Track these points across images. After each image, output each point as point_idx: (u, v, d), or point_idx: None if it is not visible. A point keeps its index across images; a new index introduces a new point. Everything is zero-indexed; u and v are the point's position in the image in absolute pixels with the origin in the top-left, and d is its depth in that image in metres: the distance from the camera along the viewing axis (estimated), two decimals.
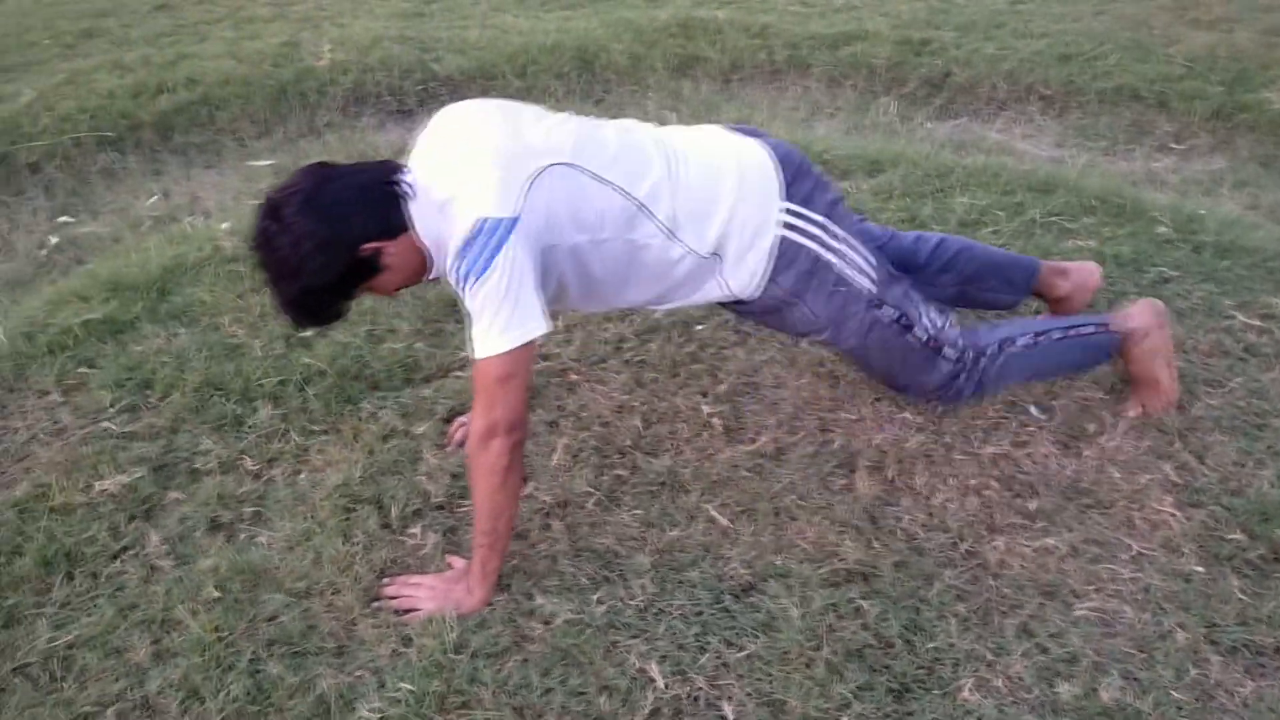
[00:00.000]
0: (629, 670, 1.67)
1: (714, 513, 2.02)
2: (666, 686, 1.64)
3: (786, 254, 1.91)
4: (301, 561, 1.91)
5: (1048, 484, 2.08)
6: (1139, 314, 2.21)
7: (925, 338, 2.03)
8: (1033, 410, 2.28)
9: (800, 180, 1.95)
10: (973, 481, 2.08)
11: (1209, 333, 2.54)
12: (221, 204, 3.69)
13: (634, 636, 1.74)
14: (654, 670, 1.66)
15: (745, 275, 1.94)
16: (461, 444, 2.16)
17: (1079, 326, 2.20)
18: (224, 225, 3.18)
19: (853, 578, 1.86)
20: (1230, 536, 1.94)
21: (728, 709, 1.62)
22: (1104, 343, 2.21)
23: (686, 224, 1.87)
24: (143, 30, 5.50)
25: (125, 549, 1.98)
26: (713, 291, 1.98)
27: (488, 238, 1.64)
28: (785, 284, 1.94)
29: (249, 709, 1.64)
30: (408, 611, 1.81)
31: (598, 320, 2.63)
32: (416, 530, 1.97)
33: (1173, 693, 1.63)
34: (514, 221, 1.67)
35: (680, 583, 1.85)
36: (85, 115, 4.24)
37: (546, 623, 1.76)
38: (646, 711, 1.61)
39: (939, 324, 2.06)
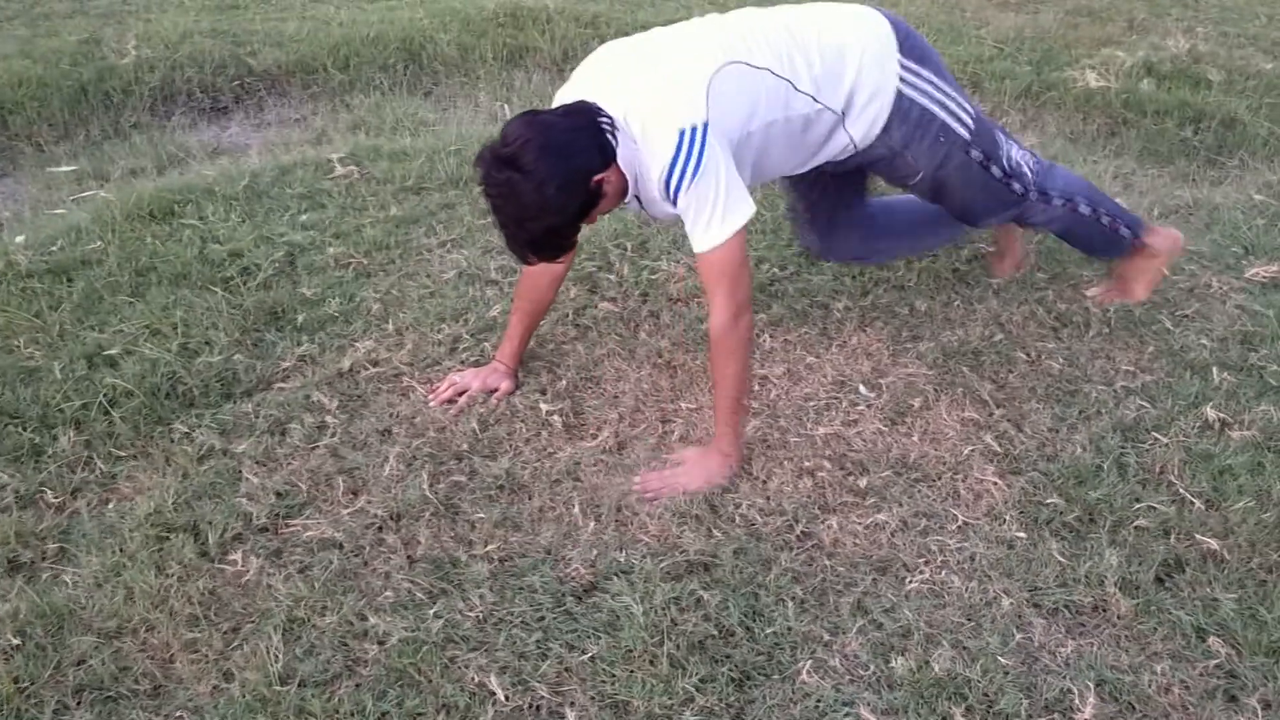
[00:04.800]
0: (468, 685, 1.62)
1: (555, 513, 1.98)
2: (507, 698, 1.60)
3: (901, 107, 2.13)
4: (111, 599, 1.78)
5: (877, 461, 2.13)
6: (1164, 238, 2.58)
7: (1000, 174, 2.29)
8: (862, 389, 2.33)
9: (910, 40, 2.17)
10: (807, 463, 2.11)
11: (1022, 305, 2.66)
12: (18, 215, 3.42)
13: (473, 649, 1.69)
14: (494, 683, 1.62)
15: (866, 124, 2.14)
16: (450, 401, 2.29)
17: (1124, 226, 2.51)
18: (19, 239, 2.94)
19: (694, 569, 1.86)
20: (1048, 501, 2.02)
21: (570, 715, 1.58)
22: (1126, 246, 2.56)
23: (825, 86, 2.07)
24: None
25: None
26: (838, 144, 2.17)
27: (690, 144, 1.87)
28: (896, 135, 2.16)
29: None
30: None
31: (431, 321, 2.55)
32: (237, 556, 1.86)
33: (1000, 658, 1.68)
34: (706, 124, 1.88)
35: (520, 589, 1.81)
36: None
37: (380, 643, 1.69)
38: None
39: (1016, 161, 2.32)
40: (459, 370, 2.37)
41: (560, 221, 1.89)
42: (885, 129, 2.15)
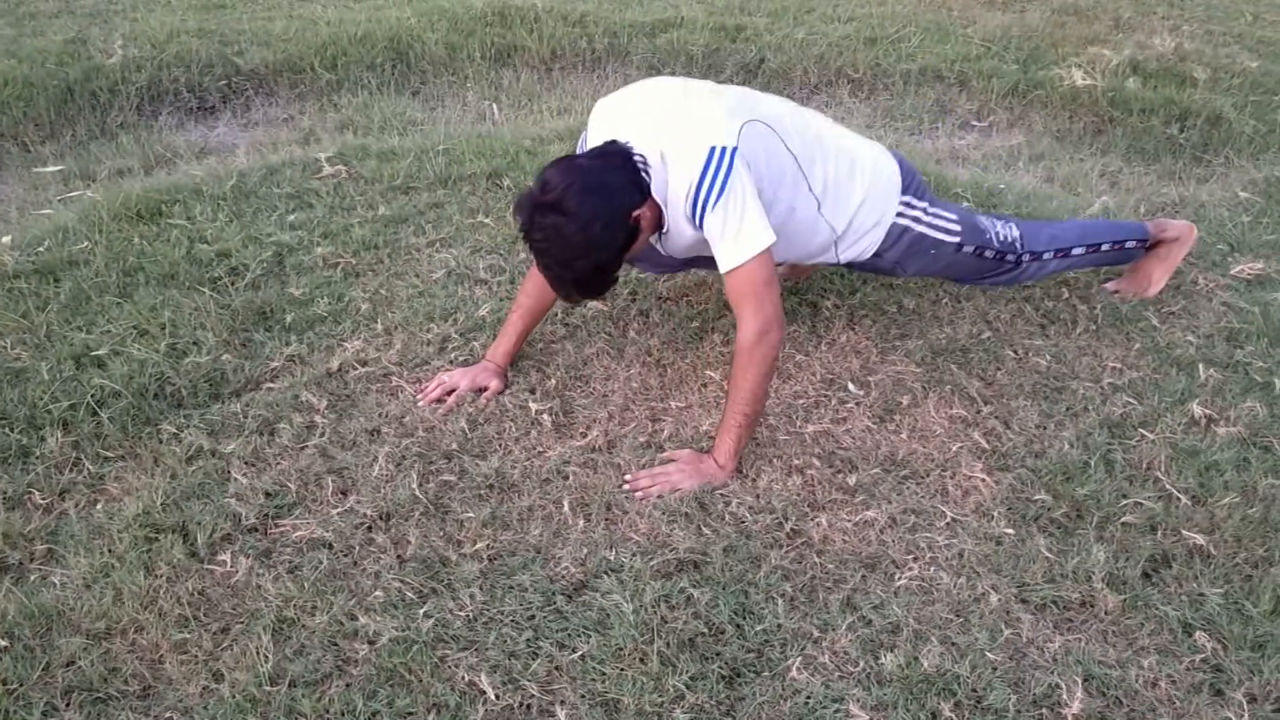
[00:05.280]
0: (458, 685, 1.62)
1: (545, 512, 1.99)
2: (498, 697, 1.60)
3: (893, 233, 2.28)
4: (100, 600, 1.77)
5: (866, 458, 2.14)
6: (1176, 229, 2.66)
7: (992, 254, 2.40)
8: (850, 387, 2.34)
9: (910, 179, 2.31)
10: (796, 461, 2.12)
11: (1010, 303, 2.67)
12: (4, 216, 3.40)
13: (463, 649, 1.69)
14: (484, 682, 1.62)
15: (857, 251, 2.30)
16: (439, 400, 2.30)
17: (1124, 241, 2.59)
18: (5, 239, 2.93)
19: (684, 567, 1.86)
20: (1036, 497, 2.03)
21: (561, 713, 1.59)
22: (1138, 254, 2.68)
23: (831, 201, 2.18)
24: None
25: None
26: (826, 257, 2.31)
27: (719, 162, 1.92)
28: (890, 257, 2.32)
29: None
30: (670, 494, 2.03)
31: (419, 321, 2.55)
32: (226, 557, 1.85)
33: (988, 654, 1.69)
34: (736, 150, 1.94)
35: (511, 588, 1.81)
36: None
37: (371, 643, 1.69)
38: None
39: (1004, 237, 2.42)
40: (448, 370, 2.36)
41: (606, 258, 1.95)
42: (877, 253, 2.30)
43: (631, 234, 1.97)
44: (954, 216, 2.34)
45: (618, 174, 1.95)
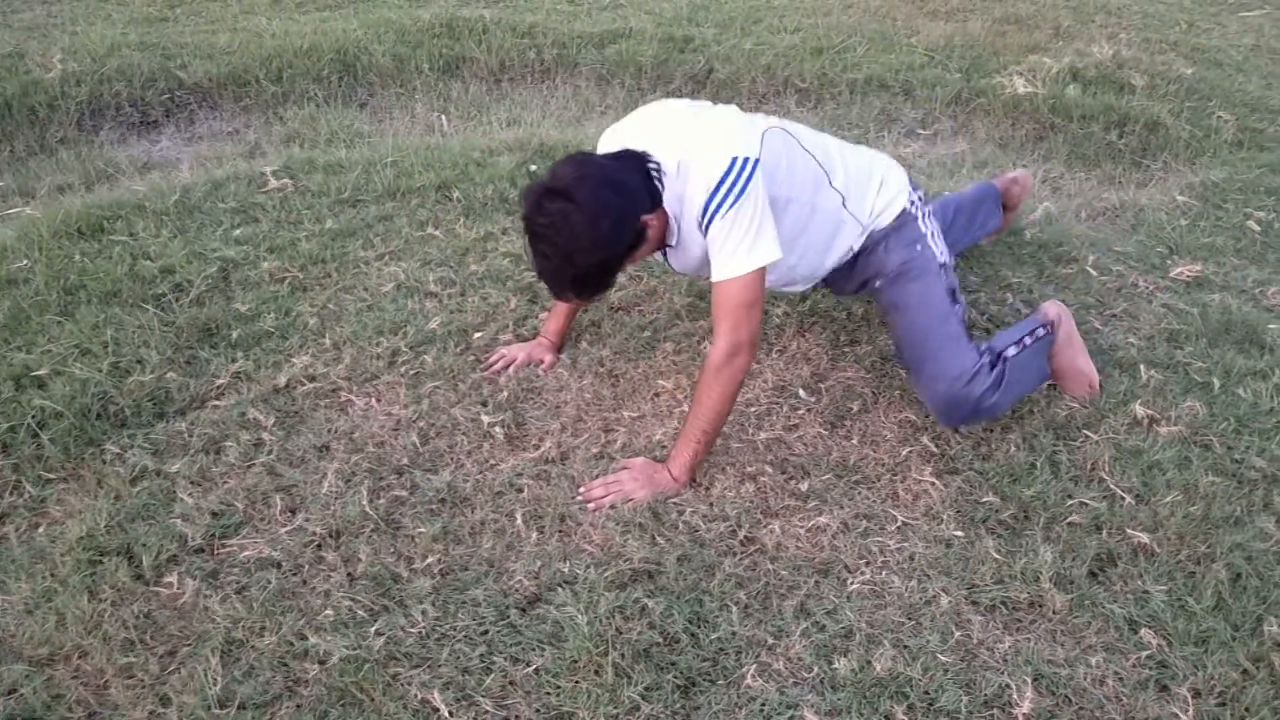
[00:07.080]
0: (411, 703, 1.60)
1: (497, 525, 1.98)
2: (451, 714, 1.59)
3: (900, 218, 2.24)
4: (43, 625, 1.74)
5: (818, 464, 2.15)
6: (1048, 309, 2.39)
7: (961, 315, 2.24)
8: (801, 394, 2.36)
9: (917, 188, 2.32)
10: (749, 468, 2.13)
11: None
12: None
13: (416, 666, 1.67)
14: (437, 699, 1.60)
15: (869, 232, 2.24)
16: (503, 369, 2.42)
17: (1032, 330, 2.32)
18: None
19: (638, 577, 1.86)
20: (984, 500, 2.06)
21: None
22: (1047, 339, 2.34)
23: (854, 196, 2.19)
24: None
25: None
26: (842, 249, 2.25)
27: (739, 172, 1.91)
28: (882, 232, 2.24)
29: None
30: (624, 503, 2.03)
31: (369, 335, 2.53)
32: (173, 578, 1.82)
33: (939, 656, 1.71)
34: (758, 161, 1.94)
35: (463, 603, 1.79)
36: None
37: (321, 662, 1.67)
38: None
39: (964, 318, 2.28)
40: (506, 345, 2.52)
41: (610, 256, 1.91)
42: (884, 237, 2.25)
43: (638, 237, 1.94)
44: (943, 240, 2.32)
45: (634, 176, 1.93)
